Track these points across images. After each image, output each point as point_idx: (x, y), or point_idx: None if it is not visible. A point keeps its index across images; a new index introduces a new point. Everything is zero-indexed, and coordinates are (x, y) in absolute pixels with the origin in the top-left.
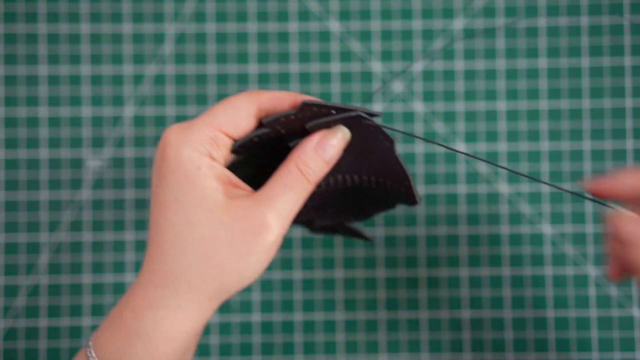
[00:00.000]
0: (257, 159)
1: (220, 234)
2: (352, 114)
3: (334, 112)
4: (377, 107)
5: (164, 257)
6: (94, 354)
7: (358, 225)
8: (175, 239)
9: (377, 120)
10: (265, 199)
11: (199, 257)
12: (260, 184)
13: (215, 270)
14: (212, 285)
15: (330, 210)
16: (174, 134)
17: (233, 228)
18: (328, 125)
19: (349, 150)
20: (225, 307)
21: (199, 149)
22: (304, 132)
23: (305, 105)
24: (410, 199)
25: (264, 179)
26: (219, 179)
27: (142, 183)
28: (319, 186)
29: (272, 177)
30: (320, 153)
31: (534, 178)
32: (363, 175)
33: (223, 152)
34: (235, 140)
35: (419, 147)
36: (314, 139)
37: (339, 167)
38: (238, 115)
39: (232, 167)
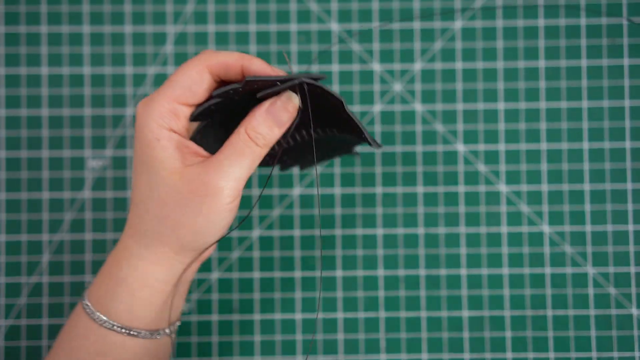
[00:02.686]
0: (222, 121)
1: (173, 196)
2: (296, 82)
3: (278, 83)
4: (377, 107)
5: (134, 214)
6: (87, 301)
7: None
8: (140, 199)
9: (323, 82)
10: (215, 165)
11: (157, 216)
12: None
13: (171, 227)
14: (172, 241)
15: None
16: (140, 107)
17: (183, 191)
18: (277, 92)
19: (306, 110)
20: (225, 307)
21: (159, 122)
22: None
23: (248, 81)
24: (372, 144)
25: None
26: (178, 149)
27: None
28: (287, 142)
29: (225, 142)
30: (269, 119)
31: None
32: (325, 128)
33: (183, 122)
34: (195, 108)
35: (419, 147)
36: (264, 107)
37: (301, 125)
38: (193, 85)
39: (201, 132)
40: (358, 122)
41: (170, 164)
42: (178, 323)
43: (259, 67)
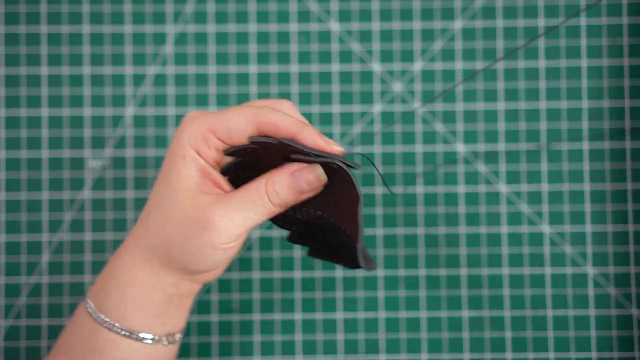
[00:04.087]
0: (254, 166)
1: (178, 215)
2: (329, 161)
3: (312, 155)
4: (377, 107)
5: (142, 216)
6: (90, 303)
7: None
8: (150, 205)
9: (355, 171)
10: (223, 203)
11: (157, 226)
12: None
13: (165, 242)
14: (161, 253)
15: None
16: (187, 119)
17: (187, 213)
18: (310, 161)
19: (327, 190)
20: (225, 307)
21: (190, 141)
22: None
23: (282, 143)
24: (353, 261)
25: None
26: (200, 172)
27: (143, 183)
28: (300, 214)
29: (243, 186)
30: (291, 182)
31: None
32: (332, 218)
33: (212, 152)
34: (230, 147)
35: (419, 147)
36: (291, 168)
37: (315, 204)
38: (234, 131)
39: (233, 167)
40: (360, 228)
41: (187, 184)
42: (179, 335)
43: (308, 139)
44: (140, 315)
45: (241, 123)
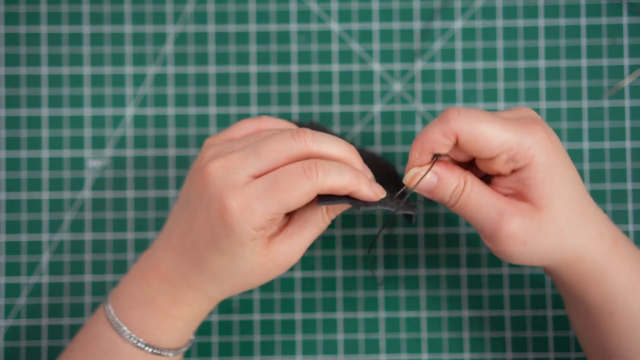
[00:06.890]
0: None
1: (258, 270)
2: (391, 211)
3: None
4: (377, 107)
5: (205, 278)
6: (120, 324)
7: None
8: (216, 272)
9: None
10: (300, 242)
11: (235, 284)
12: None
13: (241, 288)
14: (232, 294)
15: None
16: (236, 212)
17: (269, 265)
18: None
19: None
20: (225, 307)
21: (257, 230)
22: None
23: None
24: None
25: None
26: (266, 236)
27: (143, 183)
28: None
29: (302, 221)
30: None
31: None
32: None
33: (279, 219)
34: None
35: None
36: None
37: None
38: (298, 202)
39: None
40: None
41: (258, 250)
42: (185, 349)
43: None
44: (178, 337)
45: (301, 194)
